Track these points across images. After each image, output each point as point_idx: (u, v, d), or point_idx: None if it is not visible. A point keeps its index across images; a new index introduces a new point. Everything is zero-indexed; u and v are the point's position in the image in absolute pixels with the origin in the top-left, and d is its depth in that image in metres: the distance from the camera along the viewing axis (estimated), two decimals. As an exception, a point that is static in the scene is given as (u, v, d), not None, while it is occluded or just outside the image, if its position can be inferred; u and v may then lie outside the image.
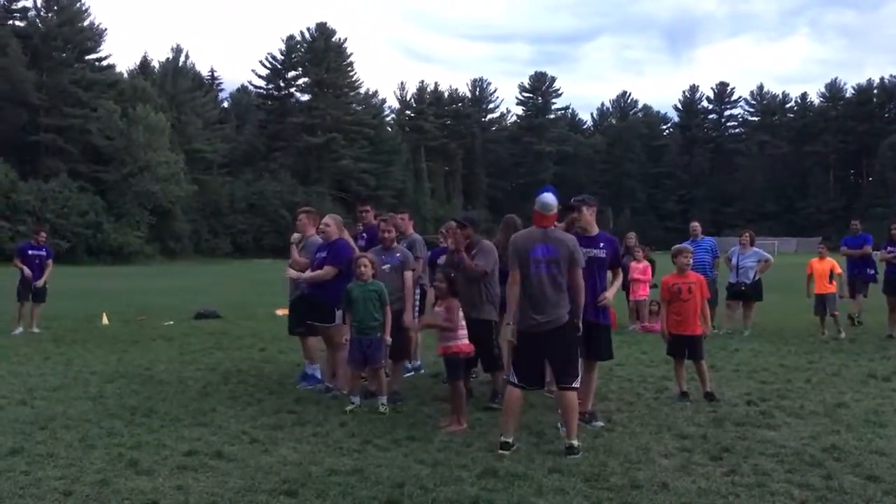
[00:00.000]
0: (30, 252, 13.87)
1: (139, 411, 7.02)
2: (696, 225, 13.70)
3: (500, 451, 5.64)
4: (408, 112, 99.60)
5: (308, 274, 7.97)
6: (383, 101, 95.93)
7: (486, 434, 6.23)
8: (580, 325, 5.90)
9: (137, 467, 5.31)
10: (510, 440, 5.72)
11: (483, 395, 7.68)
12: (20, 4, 67.16)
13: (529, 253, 5.81)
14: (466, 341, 6.59)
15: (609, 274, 6.83)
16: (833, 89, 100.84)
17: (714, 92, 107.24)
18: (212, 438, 6.09)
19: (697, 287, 7.77)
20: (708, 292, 8.13)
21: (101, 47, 70.57)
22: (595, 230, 6.68)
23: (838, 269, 12.85)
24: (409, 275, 7.88)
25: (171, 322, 14.91)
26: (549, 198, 5.89)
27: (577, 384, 5.86)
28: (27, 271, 13.59)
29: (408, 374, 8.67)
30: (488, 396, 7.45)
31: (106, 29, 71.26)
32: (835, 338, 12.09)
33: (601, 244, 6.62)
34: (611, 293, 6.74)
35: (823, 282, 12.66)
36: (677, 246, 8.22)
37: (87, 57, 69.06)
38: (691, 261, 8.01)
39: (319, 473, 5.19)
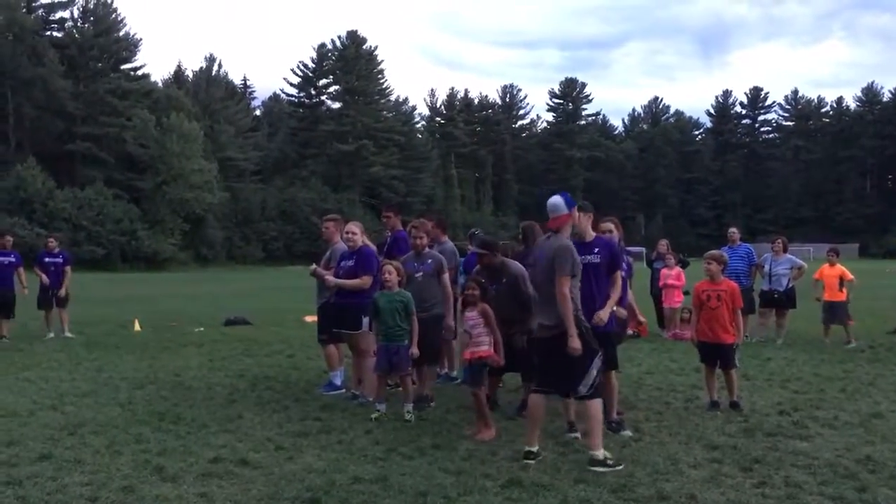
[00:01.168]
0: (46, 260, 14.02)
1: (167, 417, 7.07)
2: (733, 231, 13.47)
3: (526, 461, 5.58)
4: (438, 119, 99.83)
5: (348, 281, 7.91)
6: (413, 108, 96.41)
7: (512, 443, 6.17)
8: (573, 333, 5.57)
9: (163, 474, 5.33)
10: (535, 449, 5.66)
11: (509, 403, 7.62)
12: (58, 16, 68.72)
13: (536, 258, 5.98)
14: (491, 348, 6.54)
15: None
16: (869, 93, 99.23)
17: (748, 97, 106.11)
18: (237, 445, 6.10)
19: (728, 295, 7.59)
20: (741, 301, 7.94)
21: (136, 57, 71.97)
22: (591, 236, 6.45)
23: (849, 276, 12.56)
24: (445, 278, 7.83)
25: (202, 328, 15.03)
26: (555, 199, 5.89)
27: (587, 392, 5.68)
28: (45, 279, 13.73)
29: (454, 383, 8.66)
30: (515, 406, 7.39)
31: (141, 39, 72.67)
32: (841, 345, 11.89)
33: (595, 249, 6.36)
34: (608, 305, 6.35)
35: (833, 289, 12.40)
36: (708, 252, 8.09)
37: (123, 67, 70.28)
38: (718, 267, 7.80)
39: (343, 481, 5.17)
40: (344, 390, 8.29)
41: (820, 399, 7.91)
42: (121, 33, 70.00)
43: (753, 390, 8.38)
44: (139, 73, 71.84)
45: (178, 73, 79.70)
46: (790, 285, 12.93)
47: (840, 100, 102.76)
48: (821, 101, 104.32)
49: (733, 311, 7.61)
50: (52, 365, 10.33)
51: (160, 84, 74.41)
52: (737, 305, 7.67)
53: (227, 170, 71.65)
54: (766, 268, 13.11)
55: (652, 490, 5.01)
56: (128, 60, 71.00)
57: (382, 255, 8.30)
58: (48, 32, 67.16)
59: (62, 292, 13.84)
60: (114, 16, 69.18)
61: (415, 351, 7.22)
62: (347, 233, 8.11)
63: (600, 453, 5.53)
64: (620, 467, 5.43)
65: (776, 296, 12.91)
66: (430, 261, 7.87)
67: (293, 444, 6.12)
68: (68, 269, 14.25)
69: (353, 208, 71.36)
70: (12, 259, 13.57)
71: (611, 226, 7.11)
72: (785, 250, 13.26)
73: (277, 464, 5.59)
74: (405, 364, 7.23)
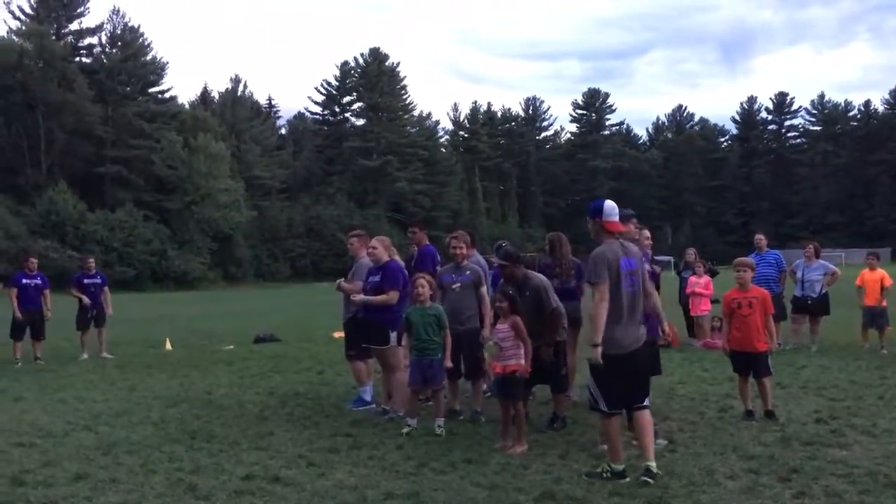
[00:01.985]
0: (85, 281, 14.20)
1: (199, 435, 7.11)
2: (760, 237, 13.30)
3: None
4: (461, 133, 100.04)
5: (374, 298, 7.89)
6: (437, 122, 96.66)
7: (544, 456, 6.12)
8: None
9: (196, 492, 5.35)
10: (622, 467, 5.49)
11: (540, 416, 7.57)
12: (86, 42, 69.89)
13: (620, 267, 5.50)
14: (524, 361, 6.49)
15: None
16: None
17: (773, 102, 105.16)
18: (269, 462, 6.11)
19: (759, 302, 7.50)
20: (772, 307, 7.83)
21: (163, 80, 72.89)
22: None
23: (889, 281, 12.34)
24: (483, 290, 7.81)
25: (232, 346, 15.13)
26: (610, 203, 5.76)
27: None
28: (86, 300, 13.90)
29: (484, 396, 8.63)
30: (546, 419, 7.34)
31: (167, 62, 73.65)
32: (876, 351, 11.70)
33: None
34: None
35: (874, 294, 12.20)
36: (737, 259, 8.00)
37: (150, 90, 71.26)
38: (749, 274, 7.72)
39: (375, 497, 5.15)
40: (374, 405, 8.28)
41: (857, 406, 7.77)
42: (148, 57, 71.07)
43: (789, 398, 8.25)
44: (166, 95, 72.89)
45: (205, 95, 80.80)
46: (823, 291, 12.74)
47: (868, 103, 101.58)
48: (848, 104, 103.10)
49: (765, 317, 7.52)
50: (86, 385, 10.45)
51: (187, 106, 75.42)
52: (768, 312, 7.58)
53: (253, 188, 72.36)
54: (799, 274, 12.93)
55: (688, 502, 4.94)
56: (155, 84, 72.04)
57: (410, 271, 8.30)
58: (77, 58, 68.32)
59: (109, 310, 14.16)
60: (140, 40, 70.30)
61: (448, 364, 7.20)
62: (370, 248, 8.13)
63: (653, 463, 5.46)
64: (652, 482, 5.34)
65: (809, 302, 12.72)
66: (468, 272, 7.84)
67: (325, 461, 6.12)
68: (106, 289, 14.47)
69: (378, 224, 71.60)
70: (38, 281, 13.73)
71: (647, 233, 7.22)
72: (817, 256, 13.07)
73: (309, 480, 5.59)
74: (439, 378, 7.21)
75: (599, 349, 5.33)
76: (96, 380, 10.97)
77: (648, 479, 5.30)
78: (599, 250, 5.58)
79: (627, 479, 5.38)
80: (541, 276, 7.34)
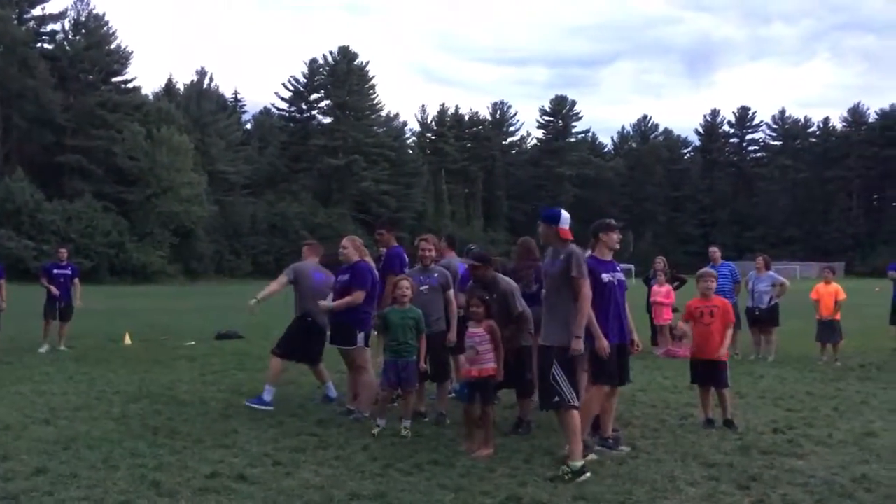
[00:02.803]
0: (55, 272, 14.09)
1: (162, 432, 7.03)
2: (714, 250, 13.59)
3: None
4: (428, 134, 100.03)
5: (340, 302, 7.88)
6: (404, 123, 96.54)
7: (509, 460, 6.17)
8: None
9: (160, 489, 5.30)
10: (581, 464, 5.69)
11: (506, 419, 7.63)
12: (49, 28, 68.47)
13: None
14: (493, 365, 6.54)
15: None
16: (856, 114, 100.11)
17: (735, 116, 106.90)
18: (234, 461, 6.07)
19: (720, 312, 7.66)
20: (734, 317, 8.00)
21: (127, 70, 71.65)
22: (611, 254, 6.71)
23: (843, 295, 12.64)
24: (451, 293, 7.83)
25: (193, 342, 14.97)
26: (566, 213, 6.19)
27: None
28: (54, 290, 13.78)
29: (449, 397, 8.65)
30: (511, 423, 7.41)
31: (132, 52, 72.23)
32: (831, 364, 11.99)
33: (618, 267, 6.72)
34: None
35: (828, 307, 12.48)
36: (701, 271, 8.17)
37: (114, 79, 70.10)
38: (713, 284, 7.90)
39: (341, 498, 5.16)
40: (271, 407, 8.19)
41: (813, 417, 7.96)
42: (112, 46, 69.88)
43: (747, 408, 8.42)
44: (130, 85, 71.63)
45: (169, 86, 79.65)
46: (773, 302, 13.01)
47: (826, 120, 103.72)
48: (807, 120, 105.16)
49: (725, 327, 7.66)
50: (43, 378, 10.27)
51: (151, 97, 74.27)
52: (729, 321, 7.75)
53: (217, 183, 71.49)
54: (750, 285, 13.20)
55: (651, 507, 5.02)
56: (119, 73, 70.84)
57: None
58: (39, 44, 66.88)
59: (78, 302, 14.07)
60: (105, 28, 69.11)
61: (423, 366, 7.22)
62: (341, 247, 8.13)
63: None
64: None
65: (757, 313, 12.99)
66: (436, 275, 7.88)
67: (290, 460, 6.10)
68: (77, 281, 14.28)
69: (343, 223, 71.35)
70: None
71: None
72: (767, 268, 13.35)
73: (275, 479, 5.57)
74: (413, 380, 7.22)
75: (580, 341, 5.76)
76: (53, 373, 10.78)
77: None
78: (579, 250, 5.99)
79: (588, 475, 5.51)
80: (508, 279, 7.43)
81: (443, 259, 8.63)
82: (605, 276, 6.32)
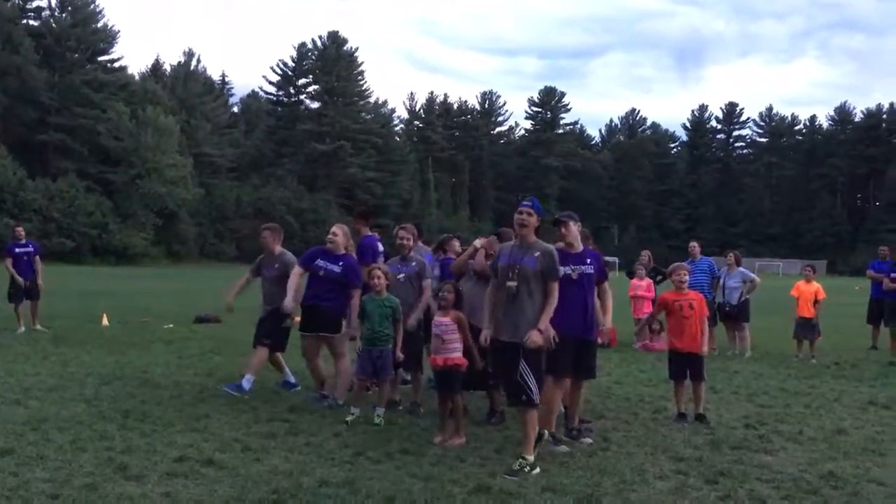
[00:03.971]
0: (17, 250, 13.81)
1: (133, 415, 6.98)
2: (694, 245, 13.67)
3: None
4: (416, 122, 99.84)
5: (290, 294, 7.95)
6: (392, 110, 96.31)
7: (480, 450, 6.18)
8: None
9: (126, 472, 5.27)
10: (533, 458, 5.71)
11: (479, 409, 7.63)
12: (34, 4, 67.73)
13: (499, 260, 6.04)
14: (460, 354, 6.54)
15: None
16: (842, 113, 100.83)
17: (723, 112, 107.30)
18: (204, 445, 6.04)
19: (698, 304, 7.73)
20: (707, 310, 8.04)
21: (113, 49, 71.11)
22: (581, 246, 6.64)
23: (822, 295, 12.72)
24: (427, 283, 7.81)
25: (172, 325, 14.89)
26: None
27: None
28: (18, 279, 13.56)
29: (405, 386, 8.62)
30: (484, 413, 7.42)
31: (119, 31, 71.75)
32: (806, 361, 12.06)
33: (588, 260, 6.59)
34: (610, 314, 6.93)
35: (807, 305, 12.56)
36: (674, 264, 8.21)
37: (100, 58, 69.47)
38: (686, 278, 7.91)
39: (310, 484, 5.14)
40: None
41: (785, 413, 8.01)
42: (98, 24, 69.21)
43: (720, 403, 8.47)
44: (116, 65, 71.04)
45: (156, 67, 79.04)
46: (743, 299, 13.08)
47: (813, 118, 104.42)
48: (794, 118, 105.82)
49: (702, 320, 7.72)
50: (17, 358, 10.18)
51: (137, 77, 73.70)
52: (704, 314, 7.80)
53: (202, 166, 71.09)
54: (721, 281, 13.27)
55: (618, 500, 5.04)
56: (105, 52, 70.18)
57: None
58: (24, 21, 66.14)
59: (40, 282, 13.71)
60: (92, 6, 68.35)
61: (400, 355, 7.20)
62: (331, 233, 8.06)
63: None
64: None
65: (728, 309, 13.06)
66: (413, 264, 7.86)
67: (261, 446, 6.08)
68: (39, 258, 14.06)
69: (328, 209, 71.16)
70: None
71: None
72: (738, 264, 13.41)
73: (244, 465, 5.55)
74: (388, 369, 7.19)
75: (539, 334, 5.70)
76: (28, 352, 10.69)
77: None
78: (554, 252, 5.94)
79: (538, 470, 5.55)
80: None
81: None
82: (563, 270, 6.23)
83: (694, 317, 7.66)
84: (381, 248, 8.58)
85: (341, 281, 7.85)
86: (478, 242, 7.48)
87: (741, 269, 13.44)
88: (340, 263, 7.91)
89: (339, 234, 8.05)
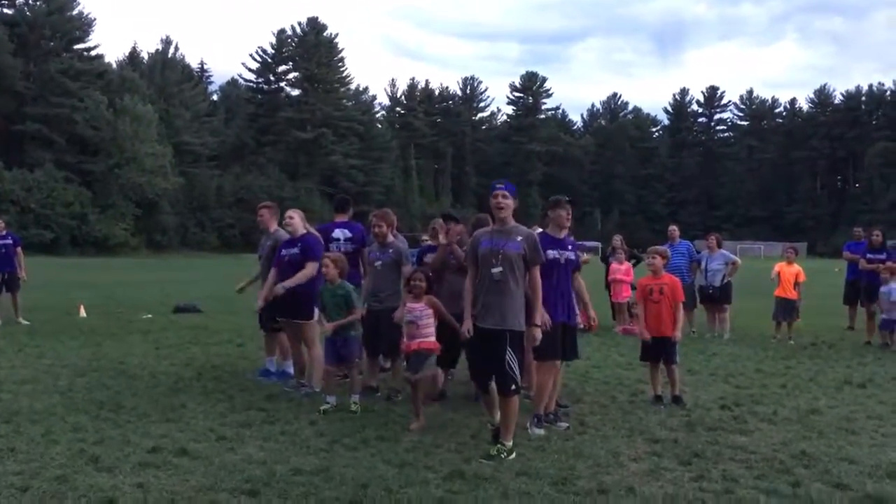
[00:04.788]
0: None
1: (107, 406, 6.92)
2: (673, 228, 13.75)
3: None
4: (398, 109, 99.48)
5: (296, 278, 7.75)
6: (374, 97, 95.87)
7: (456, 435, 6.18)
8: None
9: (98, 464, 5.22)
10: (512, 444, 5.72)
11: (456, 394, 7.64)
12: (8, -8, 66.63)
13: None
14: (434, 339, 6.52)
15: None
16: (822, 95, 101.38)
17: (704, 95, 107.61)
18: (178, 435, 6.00)
19: (670, 289, 7.69)
20: (682, 295, 8.01)
21: (89, 37, 70.20)
22: (565, 231, 6.67)
23: (803, 277, 12.80)
24: (407, 269, 7.78)
25: (150, 315, 14.78)
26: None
27: None
28: None
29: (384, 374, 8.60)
30: (473, 394, 7.49)
31: (95, 19, 71.05)
32: (784, 342, 12.15)
33: (570, 246, 6.64)
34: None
35: (788, 287, 12.65)
36: (651, 248, 8.20)
37: (76, 46, 68.59)
38: (659, 261, 7.87)
39: (284, 473, 5.11)
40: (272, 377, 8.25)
41: (761, 394, 8.07)
42: (74, 12, 68.28)
43: (697, 385, 8.51)
44: (92, 53, 70.12)
45: (133, 55, 78.04)
46: (725, 281, 13.15)
47: (793, 101, 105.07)
48: (775, 101, 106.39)
49: (674, 304, 7.68)
50: (-8, 351, 10.06)
51: (114, 65, 72.88)
52: (678, 299, 7.73)
53: (182, 155, 70.43)
54: (703, 264, 13.33)
55: (592, 483, 5.05)
56: (81, 40, 69.27)
57: None
58: (-2, 9, 65.27)
59: (22, 274, 13.57)
60: (67, -6, 67.43)
61: (330, 326, 7.11)
62: (287, 218, 8.02)
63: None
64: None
65: (710, 291, 13.13)
66: (391, 251, 7.83)
67: (236, 435, 6.05)
68: (20, 250, 13.90)
69: (311, 197, 70.84)
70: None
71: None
72: (719, 246, 13.48)
73: (218, 454, 5.51)
74: (354, 355, 7.19)
75: (539, 330, 5.75)
76: (3, 345, 10.57)
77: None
78: (536, 236, 5.93)
79: (514, 456, 5.55)
80: None
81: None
82: (551, 253, 6.26)
83: (664, 301, 7.63)
84: (346, 233, 8.55)
85: (301, 262, 7.80)
86: (442, 238, 7.46)
87: (722, 251, 13.50)
88: (299, 244, 7.89)
89: (296, 217, 8.02)
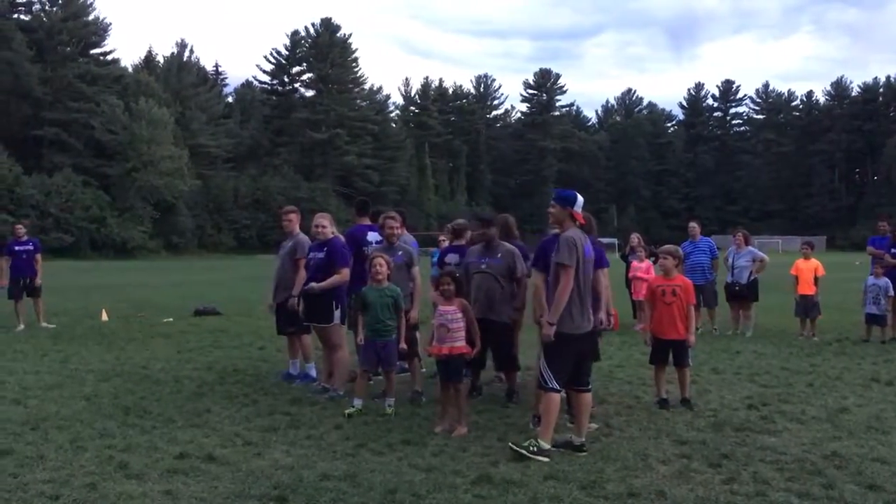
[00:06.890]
0: (16, 248, 13.69)
1: (133, 412, 6.95)
2: (693, 225, 13.47)
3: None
4: (412, 108, 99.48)
5: (329, 281, 7.75)
6: (387, 97, 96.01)
7: (482, 438, 6.14)
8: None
9: (127, 470, 5.23)
10: (549, 446, 5.67)
11: (493, 395, 7.66)
12: (25, -1, 67.19)
13: (585, 253, 5.84)
14: (464, 343, 6.50)
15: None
16: (839, 88, 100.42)
17: (719, 90, 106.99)
18: (204, 441, 6.01)
19: (682, 290, 7.45)
20: (694, 298, 7.75)
21: (105, 42, 70.88)
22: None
23: (822, 271, 12.65)
24: (416, 271, 7.78)
25: (171, 319, 14.85)
26: (581, 197, 6.03)
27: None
28: (3, 281, 13.51)
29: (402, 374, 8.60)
30: (504, 393, 7.63)
31: (111, 23, 71.68)
32: (808, 339, 12.02)
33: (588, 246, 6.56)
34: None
35: (808, 283, 12.50)
36: (663, 247, 8.04)
37: (92, 51, 69.14)
38: (671, 262, 7.58)
39: (311, 478, 5.10)
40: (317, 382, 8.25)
41: (788, 393, 7.98)
42: (90, 17, 68.80)
43: (723, 384, 8.43)
44: (108, 58, 70.78)
45: (149, 59, 78.57)
46: (752, 278, 13.01)
47: (810, 94, 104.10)
48: (791, 94, 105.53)
49: (686, 307, 7.44)
50: (16, 356, 10.15)
51: (130, 69, 73.34)
52: (690, 302, 7.50)
53: (198, 157, 70.81)
54: (730, 260, 13.20)
55: (622, 487, 5.01)
56: (97, 45, 69.84)
57: None
58: (15, 15, 65.80)
59: (38, 281, 13.66)
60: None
61: (403, 346, 7.16)
62: (316, 226, 8.01)
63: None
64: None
65: (737, 288, 13.00)
66: (400, 252, 7.82)
67: (261, 440, 6.05)
68: (39, 256, 13.99)
69: (326, 197, 70.96)
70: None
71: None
72: (747, 243, 13.32)
73: (245, 460, 5.51)
74: (393, 360, 7.14)
75: (554, 328, 5.66)
76: (28, 350, 10.66)
77: (580, 453, 5.67)
78: (569, 235, 5.81)
79: (548, 459, 5.51)
80: (510, 245, 7.69)
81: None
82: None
83: (676, 303, 7.41)
84: (376, 237, 8.53)
85: (327, 266, 7.80)
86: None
87: (750, 247, 13.34)
88: (325, 249, 7.90)
89: (326, 224, 8.02)
